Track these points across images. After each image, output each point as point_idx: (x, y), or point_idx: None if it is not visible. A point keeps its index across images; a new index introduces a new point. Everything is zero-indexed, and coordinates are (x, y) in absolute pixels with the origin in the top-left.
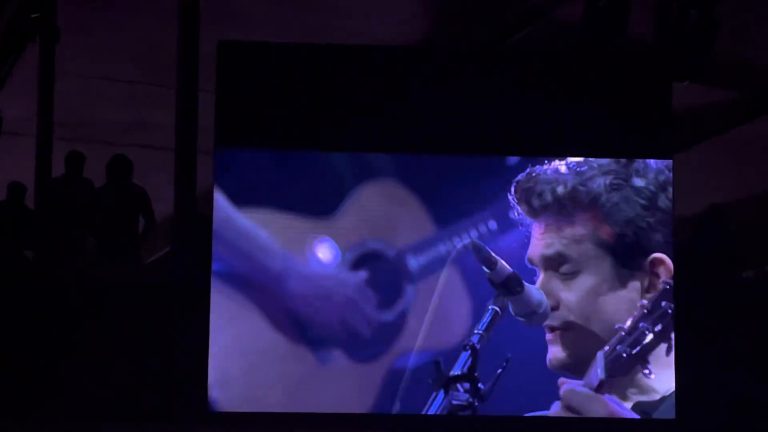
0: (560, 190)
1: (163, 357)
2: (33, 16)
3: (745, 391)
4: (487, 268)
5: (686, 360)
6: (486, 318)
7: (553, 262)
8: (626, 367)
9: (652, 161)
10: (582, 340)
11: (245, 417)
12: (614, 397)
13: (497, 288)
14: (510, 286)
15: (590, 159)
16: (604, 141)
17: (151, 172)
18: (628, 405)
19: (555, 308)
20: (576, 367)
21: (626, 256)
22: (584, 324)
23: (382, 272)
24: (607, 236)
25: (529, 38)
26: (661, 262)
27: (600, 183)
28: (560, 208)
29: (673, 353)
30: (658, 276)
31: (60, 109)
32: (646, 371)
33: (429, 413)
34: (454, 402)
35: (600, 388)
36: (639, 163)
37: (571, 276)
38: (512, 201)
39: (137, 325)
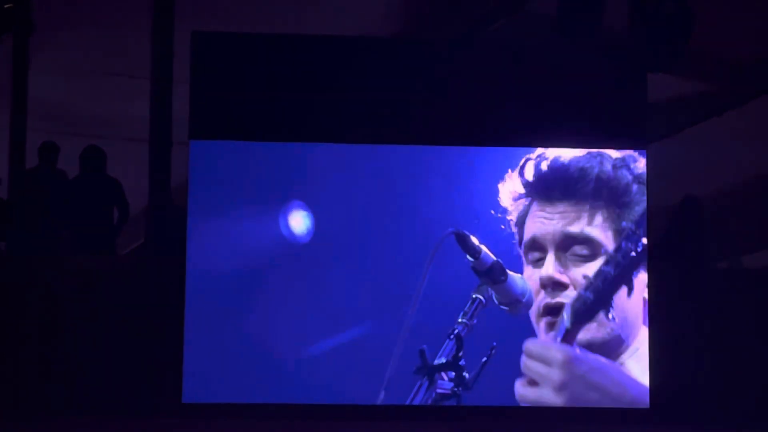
0: (597, 172)
1: (137, 348)
2: (6, 6)
3: (719, 380)
4: (471, 257)
5: (661, 351)
6: (470, 307)
7: (573, 241)
8: (591, 312)
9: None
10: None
11: (223, 408)
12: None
13: (481, 277)
14: (493, 275)
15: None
16: (578, 132)
17: (125, 163)
18: None
19: (564, 287)
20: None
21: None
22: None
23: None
24: (625, 225)
25: (504, 30)
26: None
27: (627, 174)
28: (595, 190)
29: (633, 295)
30: None
31: (34, 100)
32: (610, 315)
33: (414, 402)
34: (439, 390)
35: (566, 338)
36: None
37: (586, 258)
38: (519, 178)
39: (112, 317)
